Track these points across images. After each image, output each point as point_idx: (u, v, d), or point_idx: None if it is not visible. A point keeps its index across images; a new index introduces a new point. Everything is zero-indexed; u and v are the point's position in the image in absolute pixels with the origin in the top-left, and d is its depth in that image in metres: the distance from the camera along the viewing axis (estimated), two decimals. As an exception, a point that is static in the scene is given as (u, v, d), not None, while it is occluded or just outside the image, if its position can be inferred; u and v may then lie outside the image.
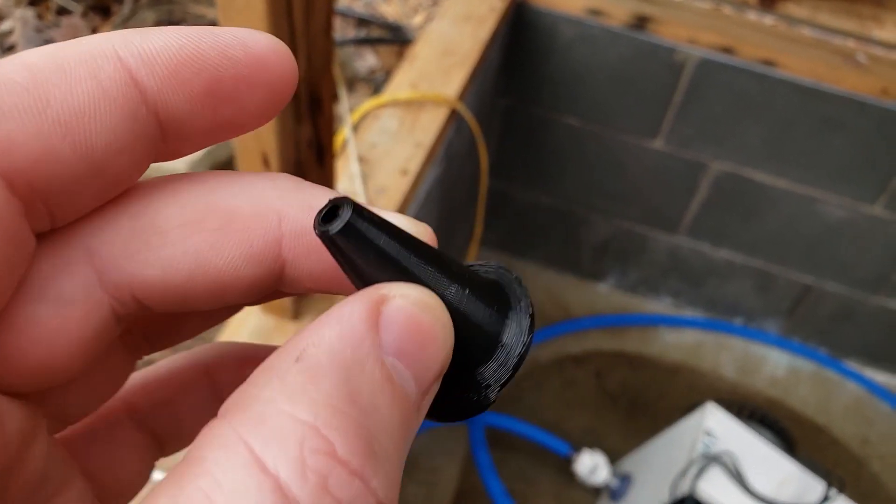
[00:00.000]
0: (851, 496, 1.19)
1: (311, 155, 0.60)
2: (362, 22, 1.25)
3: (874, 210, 1.38)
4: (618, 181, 1.53)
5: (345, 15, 1.25)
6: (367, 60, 1.17)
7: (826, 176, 1.36)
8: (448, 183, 1.13)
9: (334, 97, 0.80)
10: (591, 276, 1.76)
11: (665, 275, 1.69)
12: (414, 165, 0.90)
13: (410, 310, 0.12)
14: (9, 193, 0.11)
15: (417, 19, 1.27)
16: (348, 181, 0.86)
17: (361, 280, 0.13)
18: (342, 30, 1.23)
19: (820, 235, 1.47)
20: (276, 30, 0.48)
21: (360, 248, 0.12)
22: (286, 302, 0.71)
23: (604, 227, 1.64)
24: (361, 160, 0.90)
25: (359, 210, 0.13)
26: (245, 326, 0.70)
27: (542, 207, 1.65)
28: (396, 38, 1.21)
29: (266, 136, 0.55)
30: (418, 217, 0.98)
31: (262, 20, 0.46)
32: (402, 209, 0.87)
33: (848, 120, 1.26)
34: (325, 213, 0.13)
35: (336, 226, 0.12)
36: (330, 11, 0.53)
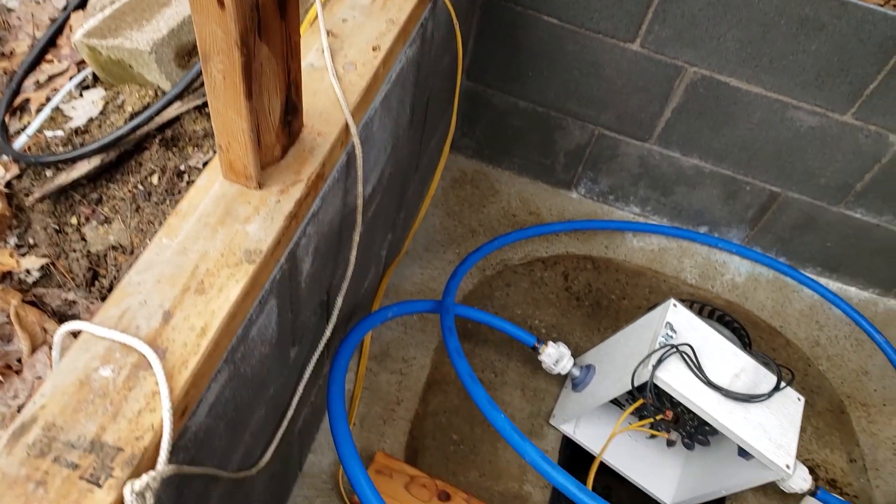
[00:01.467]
0: (799, 391, 1.25)
1: (271, 2, 0.57)
2: None
3: (845, 118, 1.39)
4: (594, 84, 1.50)
5: None
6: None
7: (801, 82, 1.36)
8: (423, 68, 1.09)
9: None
10: (563, 184, 1.77)
11: (635, 183, 1.70)
12: (386, 42, 0.87)
13: None
14: None
15: None
16: (316, 55, 0.83)
17: None
18: None
19: (789, 143, 1.48)
20: None
21: None
22: (250, 170, 0.69)
23: (578, 132, 1.62)
24: (330, 34, 0.86)
25: None
26: (209, 193, 0.69)
27: (518, 112, 1.63)
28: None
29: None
30: (390, 96, 0.95)
31: None
32: (372, 86, 0.84)
33: (828, 21, 1.25)
34: None
35: None
36: None
